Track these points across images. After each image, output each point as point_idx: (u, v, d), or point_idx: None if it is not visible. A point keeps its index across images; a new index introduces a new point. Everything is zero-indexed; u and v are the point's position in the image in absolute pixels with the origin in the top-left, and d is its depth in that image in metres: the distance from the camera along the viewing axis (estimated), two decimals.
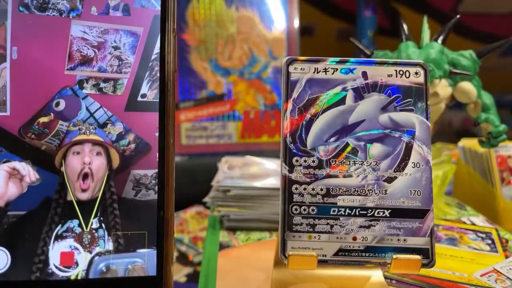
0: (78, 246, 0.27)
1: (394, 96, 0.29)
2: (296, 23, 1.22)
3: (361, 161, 0.28)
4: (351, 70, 0.29)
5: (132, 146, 0.28)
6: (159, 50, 0.29)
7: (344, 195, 0.28)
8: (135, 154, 0.28)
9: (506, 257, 0.41)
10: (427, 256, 0.27)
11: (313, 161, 0.28)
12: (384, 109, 0.29)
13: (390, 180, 0.28)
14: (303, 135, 0.28)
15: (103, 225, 0.27)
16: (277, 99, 1.21)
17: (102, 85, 0.28)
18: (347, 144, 0.28)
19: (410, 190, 0.28)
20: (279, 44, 1.21)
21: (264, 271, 0.37)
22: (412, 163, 0.28)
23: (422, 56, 0.46)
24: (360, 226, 0.27)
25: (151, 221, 0.27)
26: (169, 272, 0.27)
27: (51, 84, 0.28)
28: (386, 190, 0.28)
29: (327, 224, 0.27)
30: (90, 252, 0.27)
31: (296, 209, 0.28)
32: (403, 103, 0.29)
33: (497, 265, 0.39)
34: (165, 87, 0.28)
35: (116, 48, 0.29)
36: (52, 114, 0.28)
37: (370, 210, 0.28)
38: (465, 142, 0.67)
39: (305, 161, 0.28)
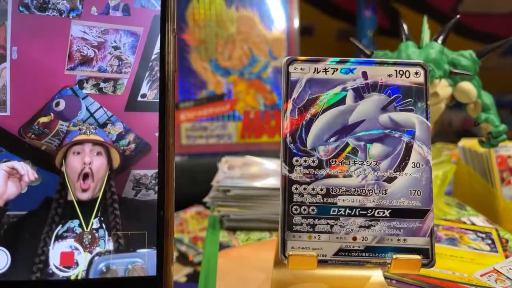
0: (78, 246, 0.27)
1: (394, 96, 0.29)
2: (296, 23, 1.22)
3: (361, 161, 0.28)
4: (351, 70, 0.29)
5: (132, 146, 0.28)
6: (159, 50, 0.29)
7: (344, 195, 0.28)
8: (135, 154, 0.28)
9: (506, 257, 0.41)
10: (427, 256, 0.27)
11: (313, 161, 0.28)
12: (384, 109, 0.29)
13: (390, 180, 0.28)
14: (303, 135, 0.28)
15: (103, 225, 0.27)
16: (277, 99, 1.21)
17: (102, 85, 0.28)
18: (347, 144, 0.28)
19: (410, 190, 0.28)
20: (279, 44, 1.21)
21: (264, 271, 0.37)
22: (412, 163, 0.28)
23: (422, 56, 0.46)
24: (360, 226, 0.27)
25: (151, 221, 0.27)
26: (169, 272, 0.27)
27: (51, 84, 0.28)
28: (386, 190, 0.28)
29: (327, 224, 0.27)
30: (91, 252, 0.27)
31: (296, 209, 0.28)
32: (403, 103, 0.29)
33: (497, 265, 0.39)
34: (165, 87, 0.28)
35: (116, 48, 0.29)
36: (52, 114, 0.28)
37: (370, 210, 0.28)
38: (465, 142, 0.67)
39: (305, 161, 0.28)
